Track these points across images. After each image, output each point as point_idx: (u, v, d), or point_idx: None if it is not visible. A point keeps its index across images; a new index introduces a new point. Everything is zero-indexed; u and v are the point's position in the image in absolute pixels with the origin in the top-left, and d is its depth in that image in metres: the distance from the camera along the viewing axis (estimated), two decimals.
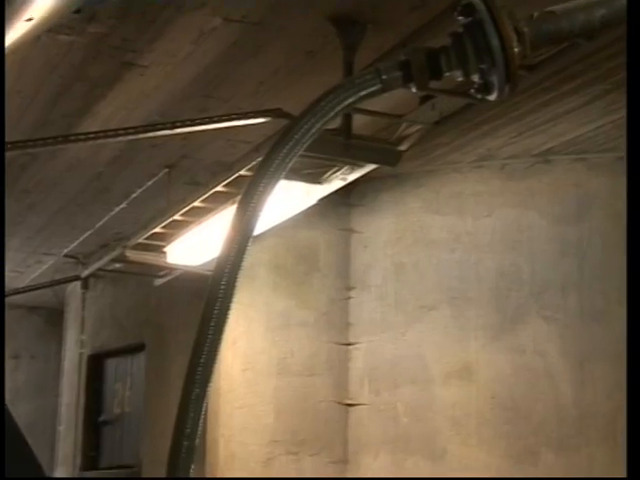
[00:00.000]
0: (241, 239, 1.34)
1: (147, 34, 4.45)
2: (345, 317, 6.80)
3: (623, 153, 6.03)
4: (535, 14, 1.39)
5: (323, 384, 6.73)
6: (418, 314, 6.45)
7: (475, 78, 1.38)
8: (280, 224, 5.70)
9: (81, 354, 10.17)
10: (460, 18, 1.39)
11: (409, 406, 6.40)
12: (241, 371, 6.71)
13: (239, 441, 6.62)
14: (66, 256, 9.43)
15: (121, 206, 7.52)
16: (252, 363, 6.73)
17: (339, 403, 6.71)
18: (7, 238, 8.16)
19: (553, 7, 1.40)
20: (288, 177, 4.83)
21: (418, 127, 4.81)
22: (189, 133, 5.22)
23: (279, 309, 6.80)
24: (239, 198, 1.36)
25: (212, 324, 1.31)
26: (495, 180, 6.36)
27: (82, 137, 5.27)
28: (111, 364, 10.10)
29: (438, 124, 4.75)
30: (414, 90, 1.40)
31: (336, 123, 4.43)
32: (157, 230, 6.63)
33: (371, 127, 5.18)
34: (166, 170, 6.59)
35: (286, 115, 4.68)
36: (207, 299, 1.32)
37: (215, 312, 1.31)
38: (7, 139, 4.68)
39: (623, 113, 5.39)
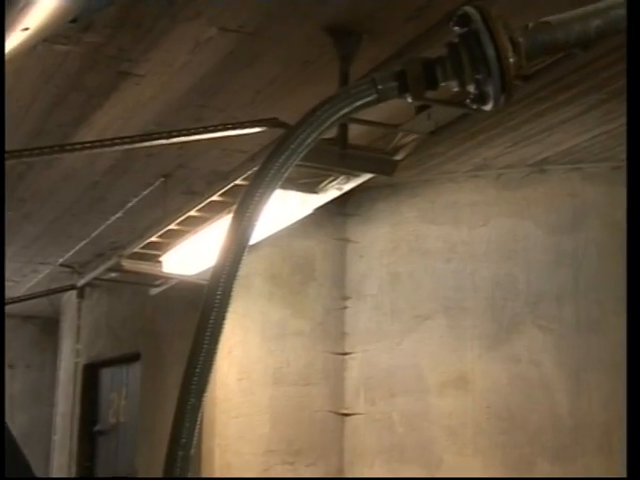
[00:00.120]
0: (237, 248, 1.34)
1: (143, 44, 4.45)
2: (341, 327, 6.80)
3: (619, 163, 6.04)
4: (530, 24, 1.40)
5: (319, 394, 6.73)
6: (414, 324, 6.45)
7: (471, 88, 1.39)
8: (276, 233, 5.70)
9: (76, 363, 10.16)
10: (456, 28, 1.39)
11: (405, 416, 6.40)
12: (237, 380, 6.70)
13: (235, 451, 6.62)
14: (62, 265, 9.42)
15: (117, 215, 7.51)
16: (248, 372, 6.72)
17: (335, 413, 6.70)
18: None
19: (548, 17, 1.40)
20: (284, 186, 4.83)
21: (414, 137, 4.81)
22: (185, 142, 5.22)
23: (275, 318, 6.80)
24: (235, 207, 1.36)
25: (208, 333, 1.31)
26: (491, 190, 6.37)
27: (78, 146, 5.26)
28: (106, 374, 10.08)
29: (434, 134, 4.75)
30: (410, 100, 1.41)
31: (332, 133, 4.43)
32: (153, 239, 6.63)
33: (367, 137, 5.19)
34: (162, 179, 6.59)
35: (282, 125, 4.68)
36: (203, 308, 1.32)
37: (211, 321, 1.31)
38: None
39: (619, 123, 5.40)
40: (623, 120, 5.34)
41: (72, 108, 5.28)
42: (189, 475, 1.31)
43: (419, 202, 6.57)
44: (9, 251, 8.69)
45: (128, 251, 7.18)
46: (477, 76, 1.37)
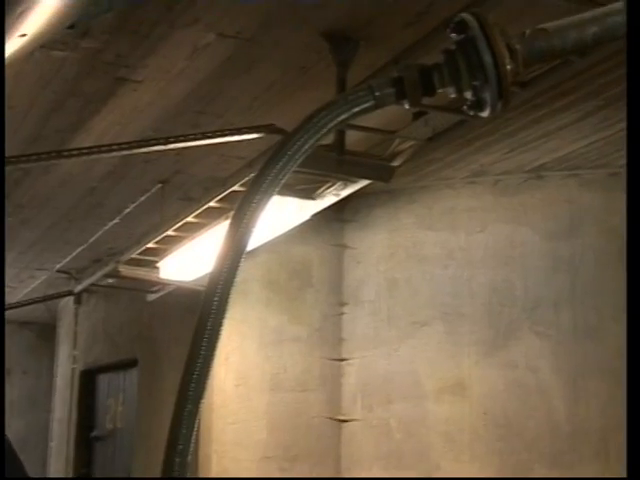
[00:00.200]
0: (234, 254, 1.34)
1: (141, 49, 4.46)
2: (338, 333, 6.80)
3: (616, 169, 6.05)
4: (527, 31, 1.40)
5: (316, 400, 6.72)
6: (411, 330, 6.45)
7: (468, 95, 1.39)
8: (273, 240, 5.70)
9: (73, 369, 10.15)
10: (453, 35, 1.39)
11: (402, 422, 6.39)
12: (234, 387, 6.70)
13: (232, 457, 6.61)
14: (59, 271, 9.42)
15: (114, 221, 7.51)
16: (245, 379, 6.72)
17: (332, 419, 6.70)
18: None
19: (545, 24, 1.41)
20: (281, 193, 4.84)
21: (411, 143, 4.81)
22: (183, 148, 5.22)
23: (272, 325, 6.80)
24: (232, 214, 1.36)
25: (205, 340, 1.31)
26: (488, 196, 6.37)
27: (75, 152, 5.26)
28: (103, 380, 10.08)
29: (431, 140, 4.76)
30: (407, 107, 1.41)
31: (329, 139, 4.44)
32: (150, 245, 6.63)
33: (364, 143, 5.19)
34: (159, 185, 6.59)
35: (279, 131, 4.68)
36: (200, 315, 1.32)
37: (208, 328, 1.31)
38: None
39: (616, 129, 5.41)
40: (620, 126, 5.35)
41: (69, 114, 5.28)
42: None
43: (416, 208, 6.57)
44: (6, 257, 8.68)
45: (125, 257, 7.18)
46: (474, 83, 1.37)
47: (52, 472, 10.65)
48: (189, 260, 6.33)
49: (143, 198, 6.85)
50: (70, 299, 9.90)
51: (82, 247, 8.42)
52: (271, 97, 4.98)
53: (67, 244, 8.39)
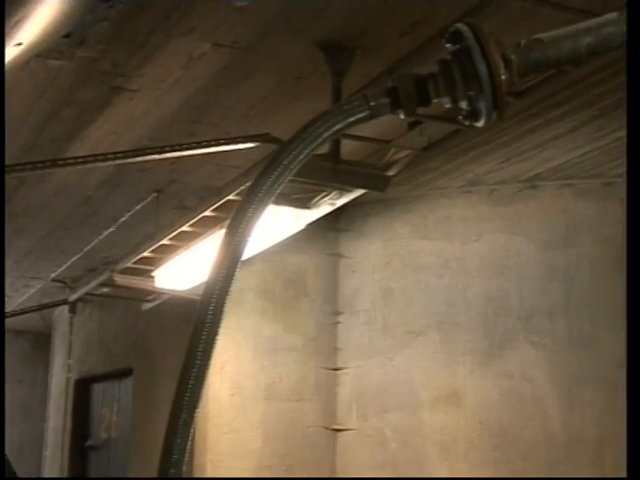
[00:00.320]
0: (229, 264, 1.34)
1: (136, 59, 4.46)
2: (333, 342, 6.79)
3: (610, 179, 6.06)
4: (522, 42, 1.40)
5: (311, 409, 6.72)
6: (406, 339, 6.44)
7: (463, 105, 1.39)
8: (268, 249, 5.70)
9: (68, 379, 10.13)
10: (448, 45, 1.40)
11: (397, 431, 6.39)
12: (229, 396, 6.69)
13: (227, 466, 6.59)
14: (54, 280, 9.41)
15: (109, 230, 7.51)
16: (240, 388, 6.71)
17: (327, 428, 6.69)
18: None
19: (540, 35, 1.41)
20: (277, 202, 4.83)
21: (406, 152, 4.82)
22: (178, 158, 5.22)
23: (267, 334, 6.79)
24: (228, 223, 1.37)
25: (200, 349, 1.31)
26: (483, 205, 6.38)
27: (71, 161, 5.26)
28: (98, 389, 10.05)
29: (426, 150, 4.76)
30: (402, 116, 1.41)
31: (325, 148, 4.44)
32: (145, 254, 6.63)
33: (360, 152, 5.20)
34: (155, 194, 6.59)
35: (275, 140, 4.68)
36: (195, 324, 1.32)
37: (203, 337, 1.31)
38: None
39: (610, 139, 5.42)
40: (615, 136, 5.35)
41: (65, 123, 5.28)
42: None
43: (412, 217, 6.57)
44: None
45: (120, 266, 7.17)
46: (469, 93, 1.37)
47: None
48: (184, 269, 6.32)
49: (138, 207, 6.85)
50: (65, 308, 9.88)
51: (77, 256, 8.41)
52: (266, 106, 4.99)
53: (62, 253, 8.38)
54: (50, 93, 4.87)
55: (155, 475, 1.31)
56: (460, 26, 1.38)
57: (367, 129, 4.57)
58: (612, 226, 5.99)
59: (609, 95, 4.80)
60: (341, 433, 6.66)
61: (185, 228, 5.98)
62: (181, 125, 5.27)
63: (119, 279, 7.24)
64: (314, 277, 6.89)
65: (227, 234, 1.35)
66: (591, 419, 5.91)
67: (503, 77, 1.36)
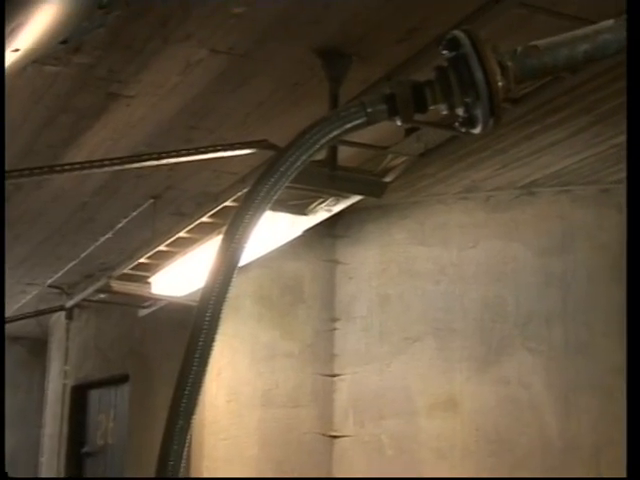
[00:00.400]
0: (226, 270, 1.34)
1: (133, 65, 4.46)
2: (330, 348, 6.79)
3: (607, 185, 6.06)
4: (519, 48, 1.41)
5: (308, 415, 6.71)
6: (403, 345, 6.44)
7: (460, 111, 1.40)
8: (265, 255, 5.70)
9: (64, 385, 10.12)
10: (445, 52, 1.40)
11: (394, 438, 6.38)
12: (225, 402, 6.68)
13: (223, 473, 6.58)
14: (50, 286, 9.40)
15: (106, 236, 7.50)
16: (237, 394, 6.70)
17: (324, 435, 6.68)
18: None
19: (537, 42, 1.41)
20: (274, 208, 4.84)
21: (403, 159, 4.82)
22: (175, 164, 5.22)
23: (264, 340, 6.79)
24: (224, 229, 1.37)
25: (197, 355, 1.31)
26: (480, 212, 6.38)
27: (67, 167, 5.26)
28: (95, 395, 10.04)
29: (423, 156, 4.77)
30: (399, 123, 1.41)
31: (322, 155, 4.44)
32: (142, 260, 6.62)
33: (356, 159, 5.20)
34: (151, 200, 6.58)
35: (272, 146, 4.69)
36: (192, 330, 1.32)
37: (200, 343, 1.31)
38: None
39: (607, 145, 5.42)
40: (612, 143, 5.36)
41: (62, 129, 5.28)
42: None
43: (408, 224, 6.57)
44: None
45: (117, 272, 7.17)
46: (466, 99, 1.37)
47: None
48: (181, 275, 6.32)
49: (135, 213, 6.85)
50: (61, 314, 9.87)
51: (74, 262, 8.40)
52: (264, 113, 4.99)
53: (59, 259, 8.37)
54: (47, 99, 4.87)
55: None
56: (457, 33, 1.39)
57: (364, 135, 4.57)
58: (609, 232, 6.00)
59: (606, 102, 4.80)
60: (338, 439, 6.65)
61: (182, 234, 5.98)
62: (178, 131, 5.27)
63: (116, 285, 7.23)
64: (311, 283, 6.89)
65: (224, 240, 1.35)
66: (587, 425, 5.90)
67: (500, 84, 1.36)
